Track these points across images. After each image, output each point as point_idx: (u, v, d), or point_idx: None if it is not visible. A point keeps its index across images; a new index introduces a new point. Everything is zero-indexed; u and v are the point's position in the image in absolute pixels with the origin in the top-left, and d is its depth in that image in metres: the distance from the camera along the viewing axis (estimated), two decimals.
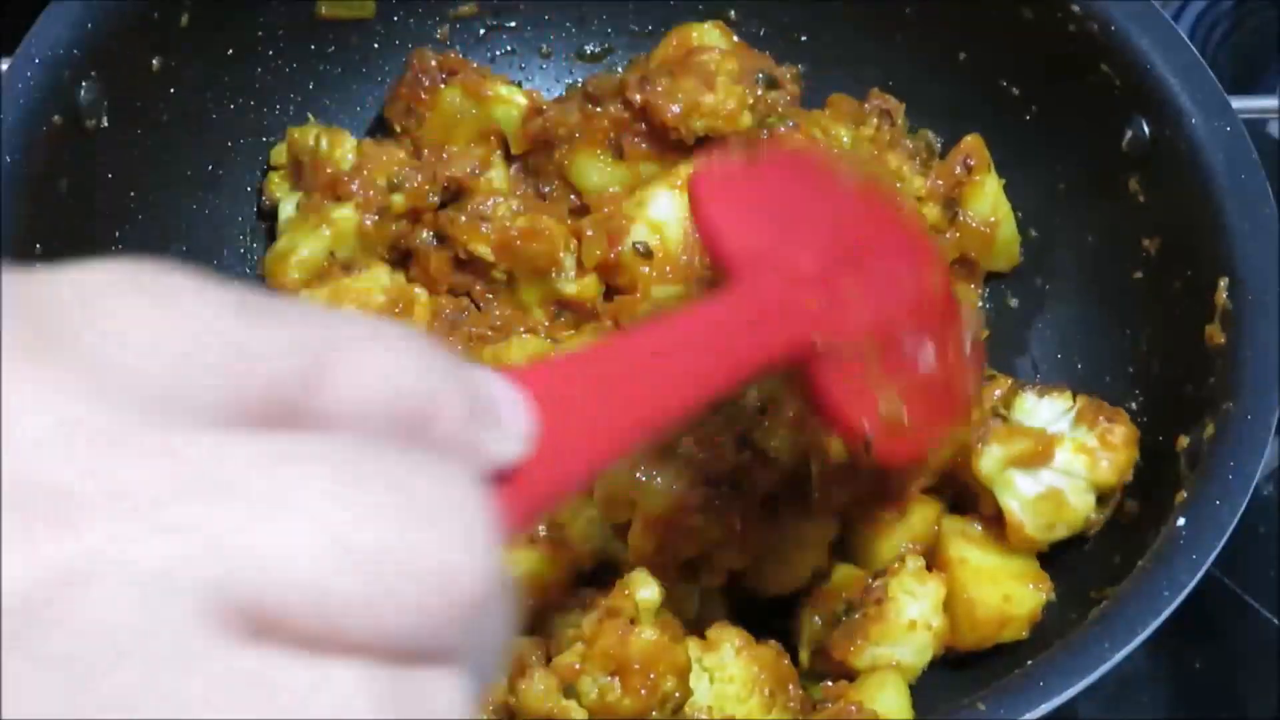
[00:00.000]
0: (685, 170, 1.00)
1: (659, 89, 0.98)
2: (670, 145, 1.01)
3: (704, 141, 1.02)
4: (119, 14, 0.90)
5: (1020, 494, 0.89)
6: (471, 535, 0.31)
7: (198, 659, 0.27)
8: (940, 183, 1.00)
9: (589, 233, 0.98)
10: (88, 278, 0.31)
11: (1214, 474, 0.81)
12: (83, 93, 0.88)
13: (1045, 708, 0.73)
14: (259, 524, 0.28)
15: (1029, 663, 0.77)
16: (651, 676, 0.78)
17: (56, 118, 0.86)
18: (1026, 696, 0.74)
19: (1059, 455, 0.88)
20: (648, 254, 0.97)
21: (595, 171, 1.02)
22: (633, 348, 0.55)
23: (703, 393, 0.57)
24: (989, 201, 1.01)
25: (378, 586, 0.29)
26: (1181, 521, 0.80)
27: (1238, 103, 0.93)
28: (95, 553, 0.27)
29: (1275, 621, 1.06)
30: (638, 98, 0.99)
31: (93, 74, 0.88)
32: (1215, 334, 0.87)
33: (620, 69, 1.11)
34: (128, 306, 0.30)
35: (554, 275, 0.98)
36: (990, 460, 0.89)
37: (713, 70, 0.99)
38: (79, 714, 0.27)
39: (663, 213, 0.98)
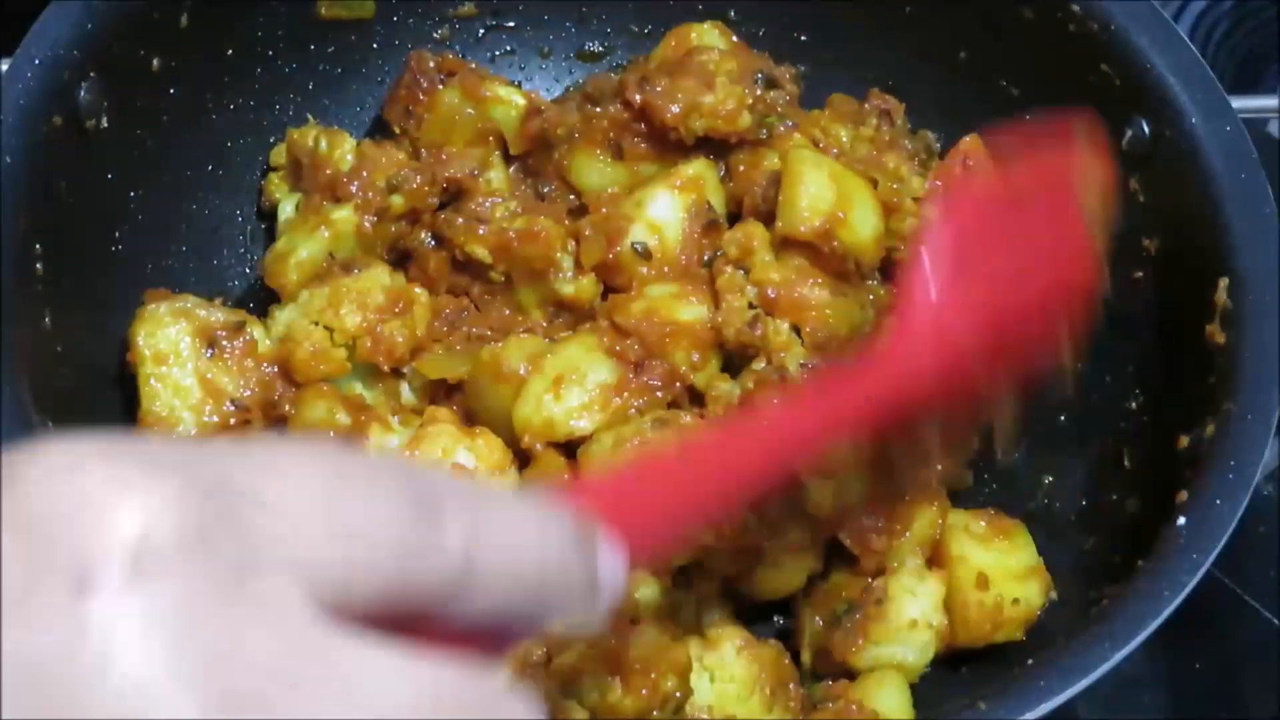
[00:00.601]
0: (685, 170, 0.99)
1: (658, 89, 0.98)
2: (669, 145, 1.01)
3: (703, 141, 1.01)
4: (119, 14, 0.89)
5: None
6: None
7: None
8: (940, 183, 1.00)
9: (587, 233, 0.98)
10: (263, 472, 0.34)
11: (1214, 473, 0.81)
12: (83, 93, 0.88)
13: (1045, 708, 0.73)
14: None
15: (1029, 662, 0.77)
16: (652, 676, 0.78)
17: (56, 118, 0.86)
18: (1027, 696, 0.73)
19: None
20: (646, 254, 0.97)
21: (594, 172, 1.02)
22: (739, 429, 0.60)
23: (802, 456, 0.63)
24: None
25: None
26: (1182, 521, 0.80)
27: (1238, 102, 0.93)
28: None
29: (1275, 621, 1.06)
30: (637, 98, 0.99)
31: (93, 74, 0.88)
32: (1215, 333, 0.87)
33: (620, 69, 1.11)
34: (304, 516, 0.34)
35: (551, 276, 0.98)
36: None
37: (712, 70, 0.99)
38: None
39: (661, 213, 0.98)
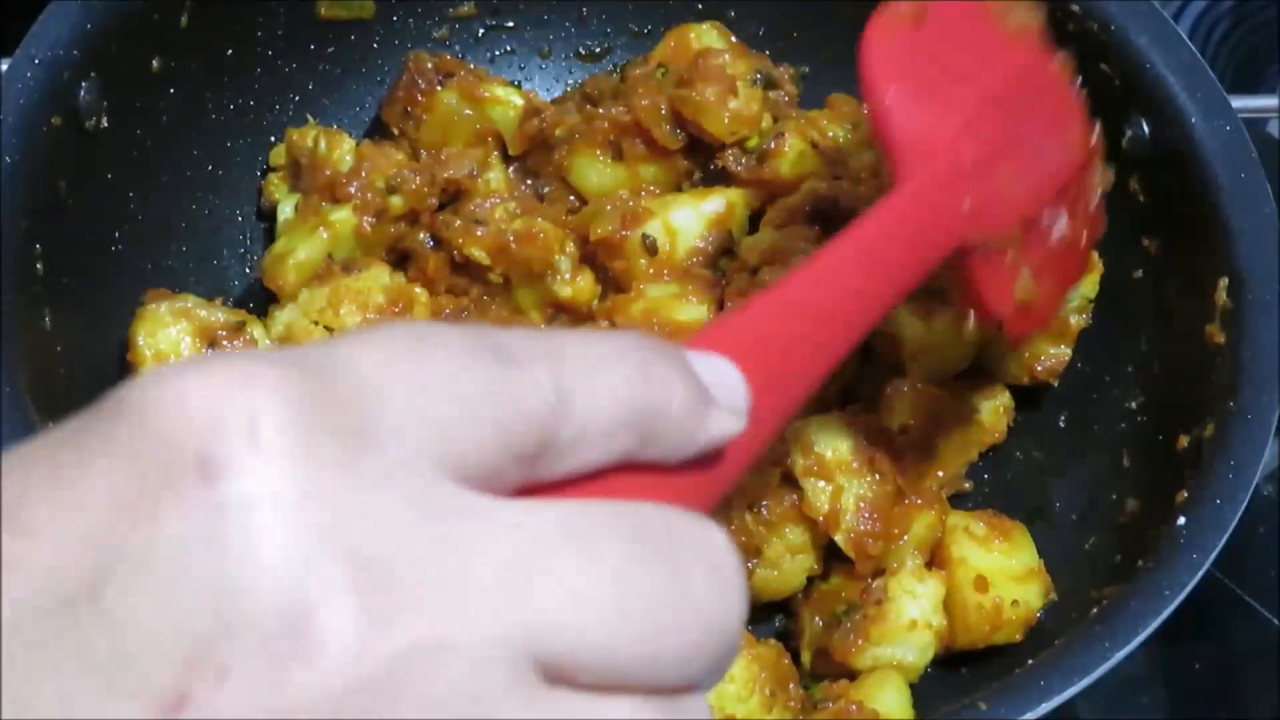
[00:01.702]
0: (719, 196, 0.99)
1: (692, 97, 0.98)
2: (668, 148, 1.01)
3: (693, 143, 1.01)
4: (119, 14, 0.89)
5: None
6: (729, 583, 0.36)
7: (515, 714, 0.32)
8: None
9: (609, 208, 0.98)
10: (352, 353, 0.35)
11: (1214, 473, 0.81)
12: (83, 93, 0.88)
13: (1045, 707, 0.73)
14: (560, 595, 0.33)
15: (1030, 662, 0.77)
16: None
17: (56, 118, 0.86)
18: (1027, 696, 0.74)
19: None
20: (653, 250, 0.96)
21: (595, 172, 1.02)
22: (810, 281, 0.55)
23: (874, 313, 0.58)
24: None
25: (657, 644, 0.34)
26: (1182, 521, 0.80)
27: (1238, 102, 0.93)
28: (435, 632, 0.31)
29: (1275, 621, 1.06)
30: (663, 109, 0.99)
31: (93, 74, 0.88)
32: (1215, 333, 0.87)
33: (620, 69, 1.11)
34: (400, 382, 0.34)
35: (549, 278, 0.98)
36: None
37: (731, 75, 0.99)
38: None
39: (682, 222, 0.98)
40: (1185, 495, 0.81)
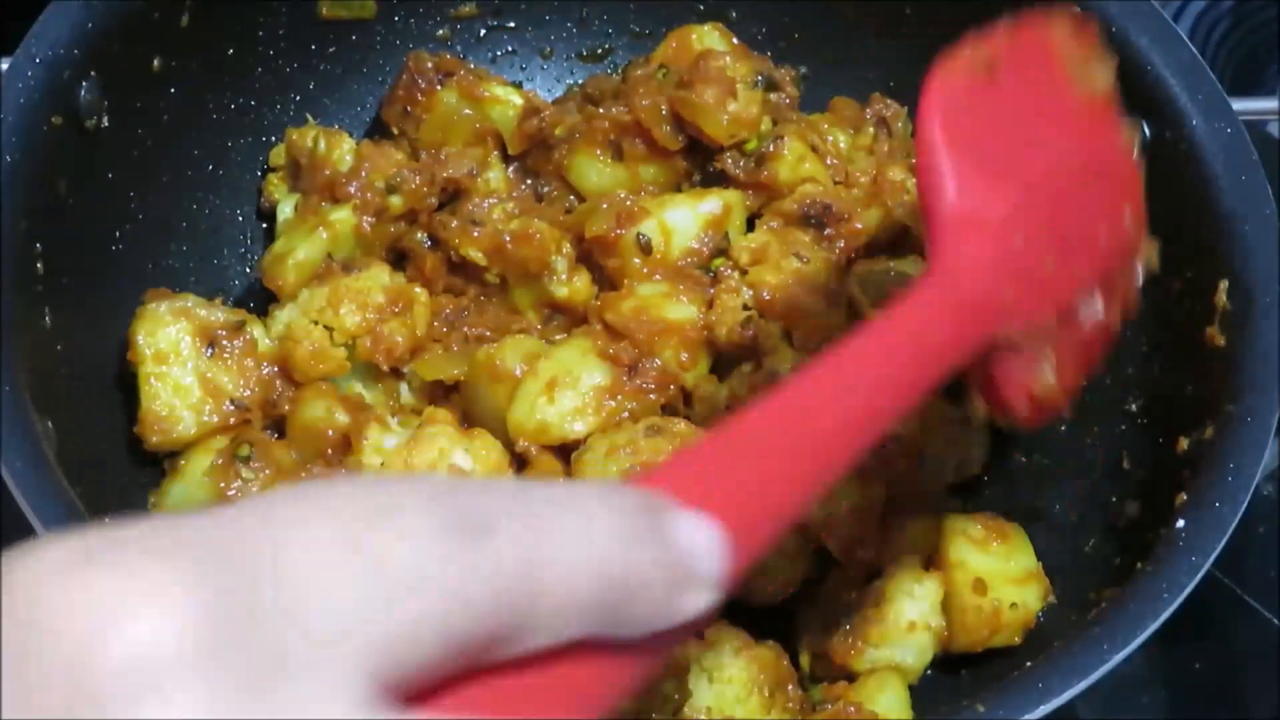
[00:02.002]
0: (718, 197, 0.99)
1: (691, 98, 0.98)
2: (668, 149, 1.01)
3: (692, 144, 1.01)
4: (119, 14, 0.90)
5: None
6: None
7: None
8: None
9: (604, 206, 0.98)
10: (288, 542, 0.31)
11: (1214, 476, 0.81)
12: (83, 93, 0.88)
13: (1045, 708, 0.73)
14: None
15: (1029, 664, 0.77)
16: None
17: (56, 118, 0.86)
18: (1026, 697, 0.74)
19: None
20: (647, 249, 0.96)
21: (594, 172, 1.02)
22: (826, 373, 0.52)
23: (899, 404, 0.55)
24: None
25: None
26: (1181, 523, 0.79)
27: (1238, 103, 0.93)
28: None
29: (1275, 621, 1.06)
30: (663, 109, 0.99)
31: (93, 74, 0.88)
32: (1215, 335, 0.87)
33: (620, 69, 1.11)
34: (336, 579, 0.31)
35: (545, 278, 0.98)
36: None
37: (732, 77, 0.99)
38: None
39: (678, 222, 0.98)
40: (1185, 498, 0.81)
